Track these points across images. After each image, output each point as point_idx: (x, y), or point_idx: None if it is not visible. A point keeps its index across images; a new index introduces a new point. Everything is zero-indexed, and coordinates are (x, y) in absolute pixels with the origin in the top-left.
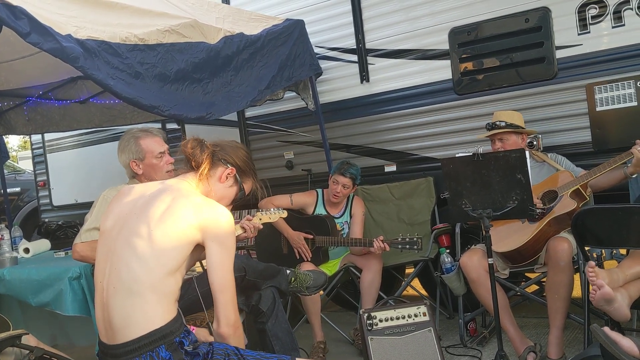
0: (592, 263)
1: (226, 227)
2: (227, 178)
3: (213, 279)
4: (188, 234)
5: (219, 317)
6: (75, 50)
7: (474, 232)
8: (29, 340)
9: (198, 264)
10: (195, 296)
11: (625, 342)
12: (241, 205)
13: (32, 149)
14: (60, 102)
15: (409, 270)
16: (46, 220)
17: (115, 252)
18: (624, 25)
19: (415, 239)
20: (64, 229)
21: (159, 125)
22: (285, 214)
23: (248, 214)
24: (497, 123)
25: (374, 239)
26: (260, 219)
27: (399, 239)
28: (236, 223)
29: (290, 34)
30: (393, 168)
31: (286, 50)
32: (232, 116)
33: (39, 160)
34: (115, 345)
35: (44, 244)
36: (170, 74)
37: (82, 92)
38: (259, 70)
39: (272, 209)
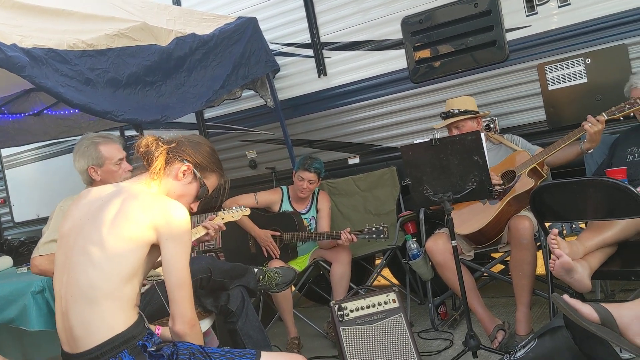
0: (555, 231)
1: (180, 222)
2: (184, 175)
3: (169, 276)
4: (142, 235)
5: (175, 315)
6: (21, 60)
7: (438, 217)
8: None
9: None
10: (161, 301)
11: (585, 309)
12: (204, 208)
13: None
14: (14, 116)
15: (380, 261)
16: (8, 237)
17: (71, 260)
18: (569, 4)
19: (381, 227)
20: (26, 244)
21: (117, 133)
22: (248, 212)
23: (213, 214)
24: (451, 111)
25: (341, 232)
26: (223, 218)
27: (366, 229)
28: (198, 225)
29: (244, 32)
30: (356, 160)
31: (240, 48)
32: (191, 118)
33: None
34: (77, 354)
35: (5, 261)
36: (122, 79)
37: (36, 104)
38: (213, 70)
39: (234, 208)
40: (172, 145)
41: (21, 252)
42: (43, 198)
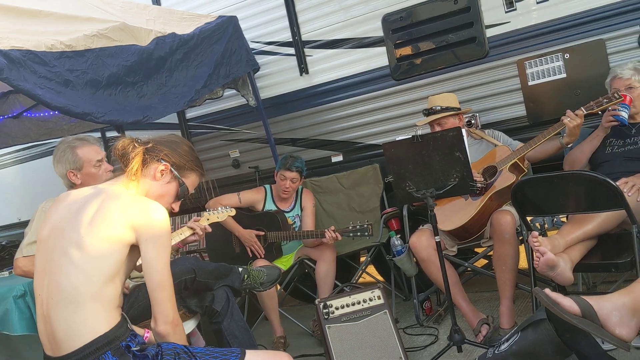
0: (535, 233)
1: (159, 223)
2: (162, 175)
3: (149, 277)
4: (121, 235)
5: (157, 316)
6: None
7: (422, 213)
8: None
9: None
10: (146, 302)
11: (566, 302)
12: (189, 208)
13: None
14: None
15: (364, 258)
16: None
17: (52, 263)
18: (547, 0)
19: (365, 225)
20: (8, 249)
21: (98, 134)
22: (233, 212)
23: (197, 215)
24: (433, 108)
25: (326, 230)
26: (208, 219)
27: (350, 227)
28: (183, 225)
29: (224, 31)
30: (340, 158)
31: (221, 47)
32: (173, 118)
33: None
34: (60, 357)
35: None
36: (102, 80)
37: (15, 106)
38: (195, 70)
39: (219, 208)
40: (149, 145)
41: (2, 256)
42: (24, 201)
